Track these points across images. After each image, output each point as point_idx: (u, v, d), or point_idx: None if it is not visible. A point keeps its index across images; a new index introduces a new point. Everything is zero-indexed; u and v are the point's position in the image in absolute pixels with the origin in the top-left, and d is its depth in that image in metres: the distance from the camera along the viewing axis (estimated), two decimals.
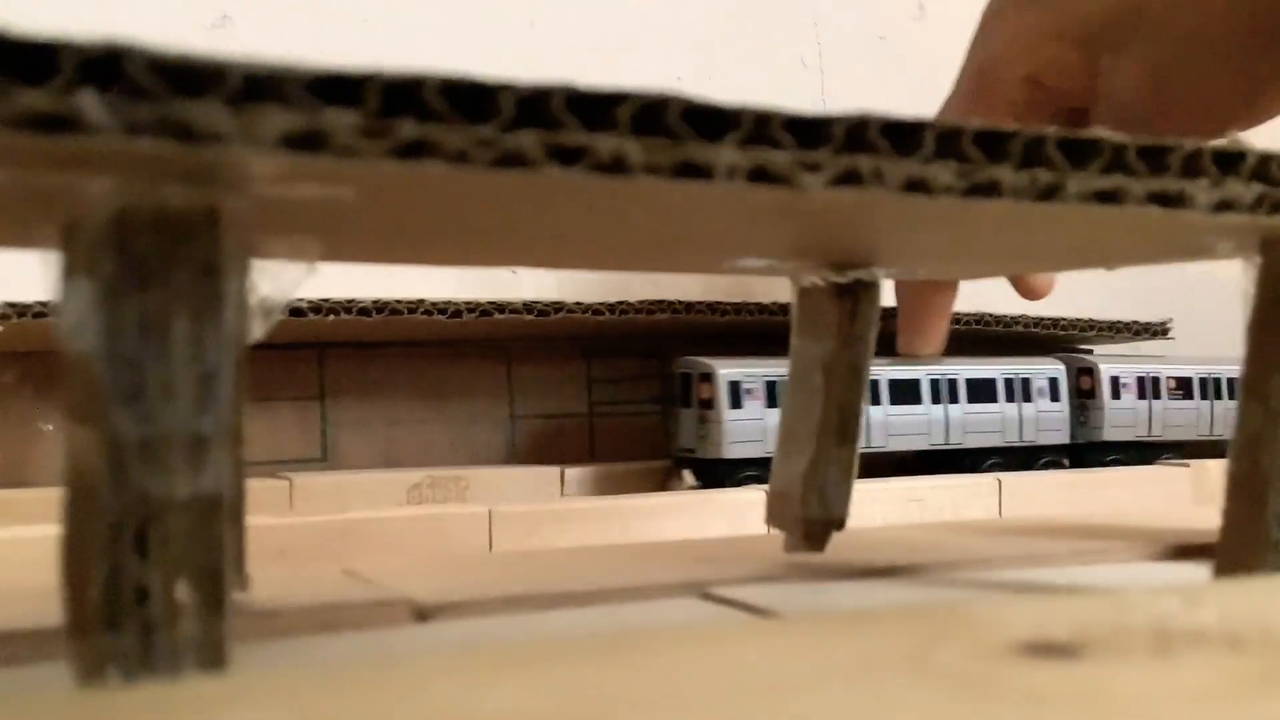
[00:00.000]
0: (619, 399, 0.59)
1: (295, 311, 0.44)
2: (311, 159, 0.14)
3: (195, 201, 0.15)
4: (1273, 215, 0.21)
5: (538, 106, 0.15)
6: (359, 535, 0.39)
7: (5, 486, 0.47)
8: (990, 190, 0.18)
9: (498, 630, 0.22)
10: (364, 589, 0.25)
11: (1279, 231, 0.22)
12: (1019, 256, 0.28)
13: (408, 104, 0.14)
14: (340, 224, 0.19)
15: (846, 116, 0.17)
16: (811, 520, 0.28)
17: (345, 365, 0.54)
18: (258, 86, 0.14)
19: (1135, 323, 0.59)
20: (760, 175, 0.16)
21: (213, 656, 0.15)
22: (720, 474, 0.49)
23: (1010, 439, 0.54)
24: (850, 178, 0.17)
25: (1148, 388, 0.56)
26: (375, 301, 0.46)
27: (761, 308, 0.52)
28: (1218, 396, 0.58)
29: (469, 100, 0.15)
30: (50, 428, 0.49)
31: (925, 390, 0.53)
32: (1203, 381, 0.58)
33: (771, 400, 0.49)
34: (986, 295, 0.55)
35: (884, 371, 0.52)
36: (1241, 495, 0.23)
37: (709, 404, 0.49)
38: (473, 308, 0.47)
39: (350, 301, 0.45)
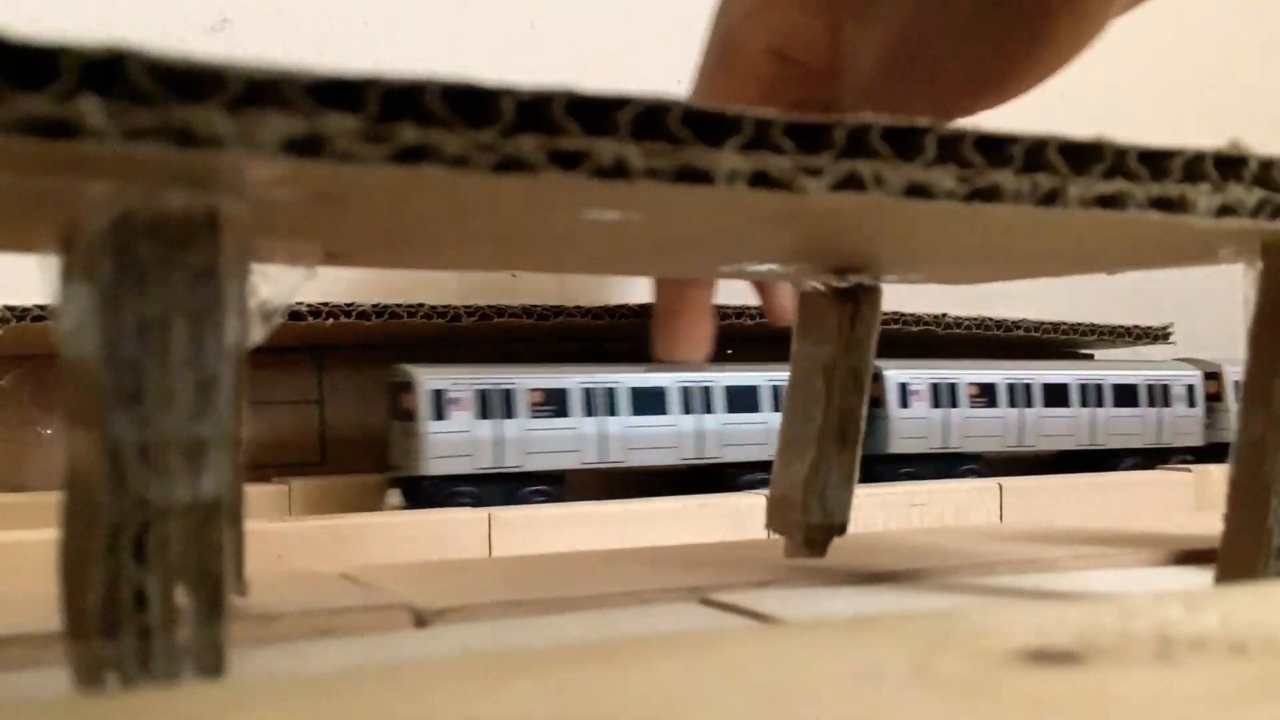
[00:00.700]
0: None
1: (294, 315, 0.44)
2: (311, 163, 0.14)
3: (195, 206, 0.15)
4: (1274, 220, 0.21)
5: (538, 111, 0.15)
6: (357, 539, 0.39)
7: (3, 491, 0.47)
8: (991, 195, 0.18)
9: (497, 635, 0.22)
10: (363, 594, 0.25)
11: None
12: (1019, 261, 0.28)
13: (408, 108, 0.14)
14: (340, 228, 0.19)
15: (847, 121, 0.17)
16: (812, 525, 0.28)
17: (344, 369, 0.54)
18: (258, 91, 0.14)
19: (1136, 327, 0.59)
20: (761, 180, 0.16)
21: (211, 662, 0.15)
22: (427, 493, 0.45)
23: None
24: (851, 183, 0.17)
25: None
26: (374, 305, 0.46)
27: (762, 311, 0.52)
28: None
29: (469, 104, 0.15)
30: (49, 432, 0.49)
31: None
32: None
33: (484, 411, 0.45)
34: (987, 300, 0.55)
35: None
36: (1243, 501, 0.23)
37: (410, 416, 0.45)
38: (472, 311, 0.47)
39: (349, 305, 0.45)
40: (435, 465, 0.44)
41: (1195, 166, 0.20)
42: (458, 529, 0.41)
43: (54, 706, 0.13)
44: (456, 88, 0.14)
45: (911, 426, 0.52)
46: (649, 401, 0.48)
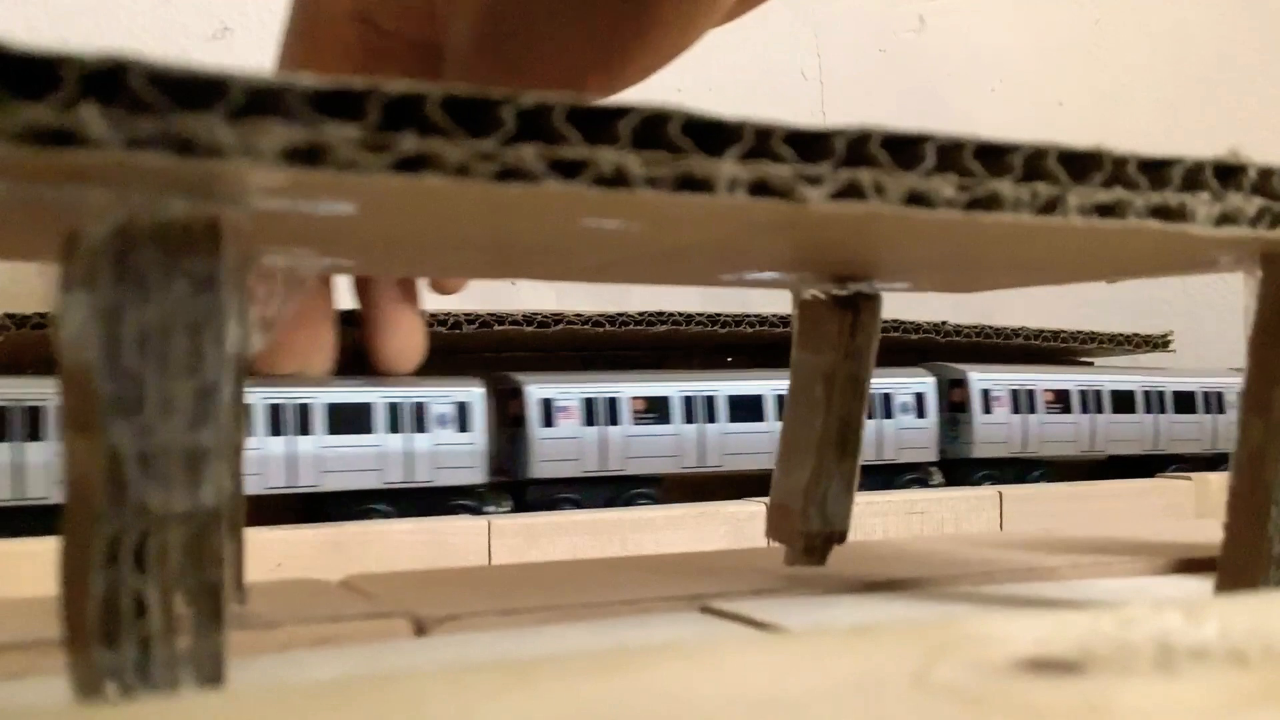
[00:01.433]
0: None
1: None
2: (312, 172, 0.14)
3: (196, 214, 0.15)
4: (1274, 229, 0.21)
5: (539, 120, 0.15)
6: (357, 548, 0.39)
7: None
8: (991, 204, 0.18)
9: (497, 643, 0.22)
10: (362, 602, 0.25)
11: None
12: (1019, 269, 0.28)
13: (409, 117, 0.14)
14: (340, 237, 0.19)
15: (848, 130, 0.17)
16: (812, 533, 0.28)
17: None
18: (259, 100, 0.14)
19: (1136, 335, 0.59)
20: (761, 189, 0.16)
21: (211, 670, 0.15)
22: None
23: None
24: (851, 191, 0.17)
25: None
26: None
27: (762, 319, 0.52)
28: None
29: (470, 113, 0.15)
30: None
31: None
32: None
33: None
34: (987, 308, 0.55)
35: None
36: (1243, 509, 0.23)
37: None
38: (472, 319, 0.47)
39: (350, 312, 0.45)
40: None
41: (1195, 175, 0.20)
42: (458, 537, 0.41)
43: (53, 715, 0.13)
44: (457, 96, 0.15)
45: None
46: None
